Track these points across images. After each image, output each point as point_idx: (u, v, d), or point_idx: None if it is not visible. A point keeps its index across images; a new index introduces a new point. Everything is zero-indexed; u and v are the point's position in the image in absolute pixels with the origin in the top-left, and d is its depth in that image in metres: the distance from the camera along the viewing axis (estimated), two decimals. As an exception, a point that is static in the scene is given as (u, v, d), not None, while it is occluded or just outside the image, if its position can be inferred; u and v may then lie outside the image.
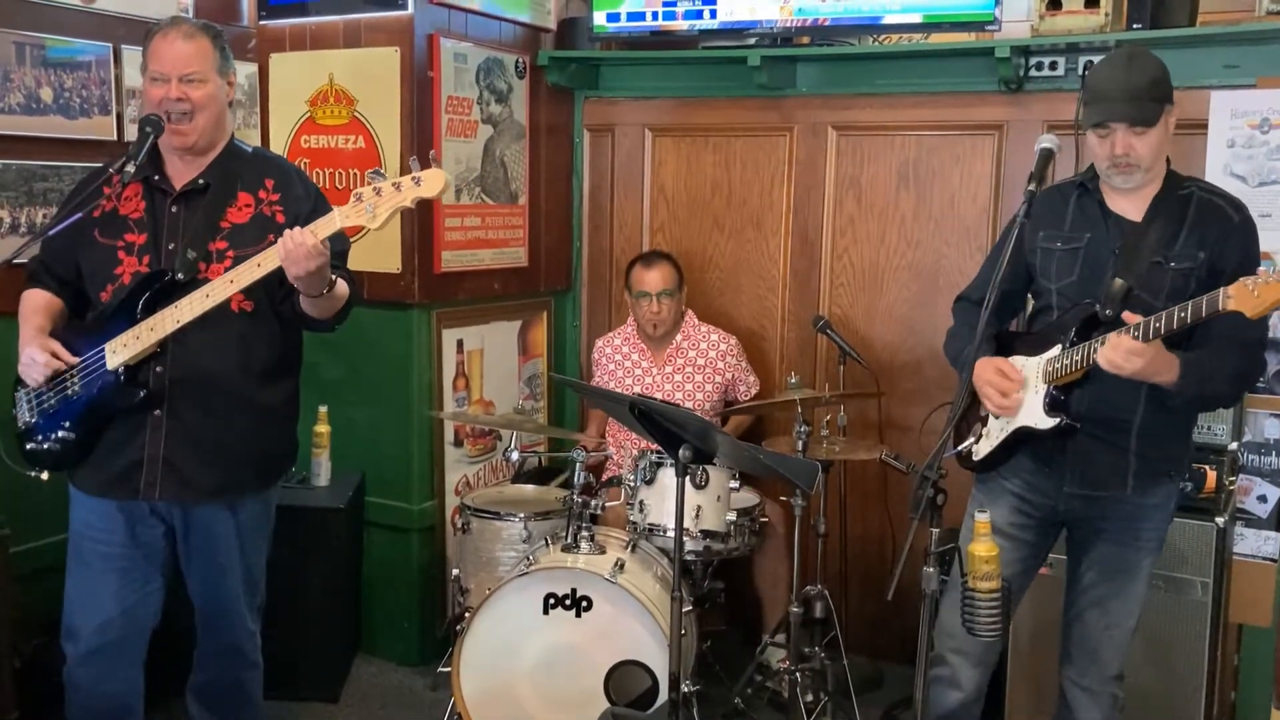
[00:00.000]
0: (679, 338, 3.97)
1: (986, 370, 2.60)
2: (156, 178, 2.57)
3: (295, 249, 2.36)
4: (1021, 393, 2.58)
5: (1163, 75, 2.49)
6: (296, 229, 2.39)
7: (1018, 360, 2.63)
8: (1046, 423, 2.53)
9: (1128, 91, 2.43)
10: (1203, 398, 2.51)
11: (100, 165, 2.70)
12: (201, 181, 2.58)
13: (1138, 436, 2.56)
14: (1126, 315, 2.33)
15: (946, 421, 2.29)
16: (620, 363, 3.99)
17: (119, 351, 2.47)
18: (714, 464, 3.15)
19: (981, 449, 2.69)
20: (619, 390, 3.78)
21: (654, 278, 3.88)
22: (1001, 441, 2.64)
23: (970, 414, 2.77)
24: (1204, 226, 2.51)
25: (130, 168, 2.43)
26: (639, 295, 3.89)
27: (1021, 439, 2.61)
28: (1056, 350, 2.54)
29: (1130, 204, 2.57)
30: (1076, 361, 2.46)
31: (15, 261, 2.61)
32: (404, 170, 3.58)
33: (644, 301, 3.88)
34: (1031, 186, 2.37)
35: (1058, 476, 2.62)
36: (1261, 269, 2.17)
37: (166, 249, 2.53)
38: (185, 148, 2.56)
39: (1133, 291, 2.48)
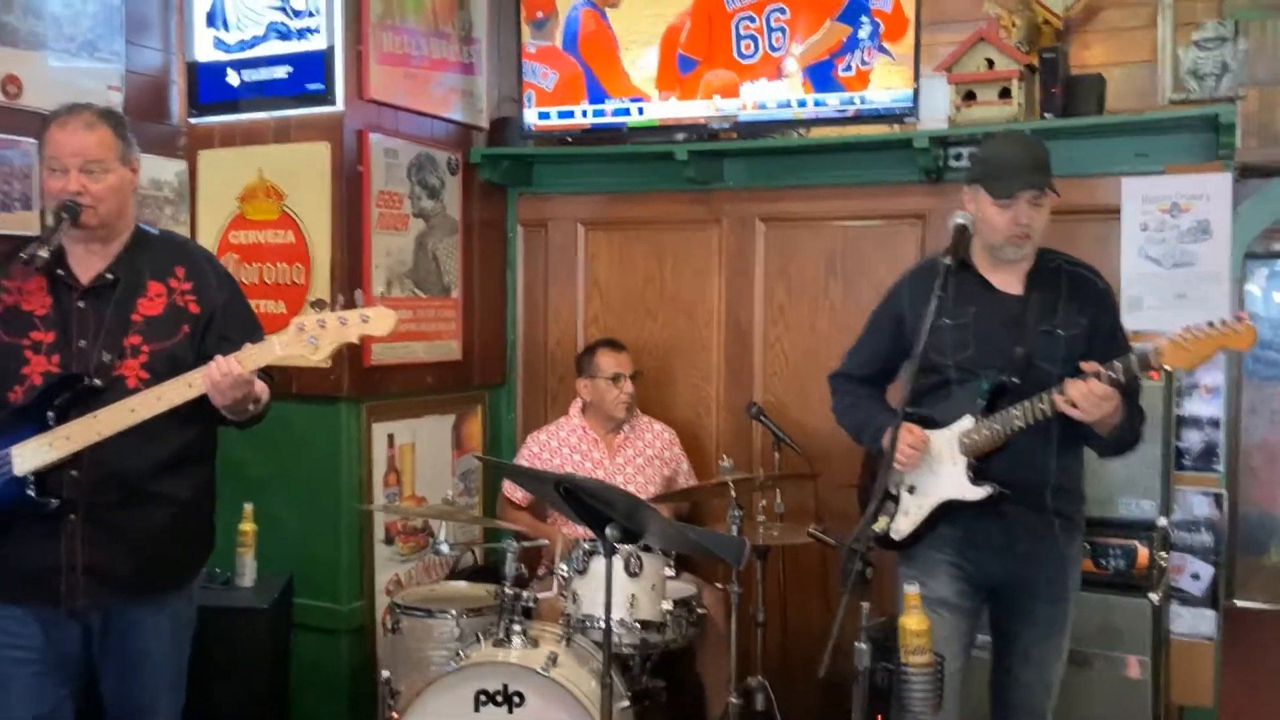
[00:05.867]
0: (626, 429, 3.97)
1: (899, 433, 2.64)
2: (61, 272, 2.47)
3: (221, 380, 2.33)
4: (933, 462, 2.65)
5: (1048, 155, 2.66)
6: (223, 359, 2.34)
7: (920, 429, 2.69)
8: (975, 493, 2.59)
9: (1033, 164, 2.57)
10: (1127, 437, 2.63)
11: None
12: (110, 276, 2.49)
13: (1053, 494, 2.64)
14: (1086, 365, 2.45)
15: (873, 494, 2.28)
16: (569, 456, 3.95)
17: (28, 458, 2.35)
18: (645, 549, 3.11)
19: (903, 526, 2.70)
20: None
21: (625, 360, 3.93)
22: (926, 517, 2.67)
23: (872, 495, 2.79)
24: (1080, 296, 2.67)
25: (44, 253, 2.35)
26: (614, 377, 3.88)
27: (944, 512, 2.65)
28: (969, 422, 2.61)
29: (1009, 278, 2.70)
30: (999, 431, 2.54)
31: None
32: (334, 268, 3.65)
33: (620, 383, 3.88)
34: (948, 260, 2.44)
35: (988, 545, 2.66)
36: (1187, 325, 2.35)
37: (78, 346, 2.44)
38: (86, 230, 2.46)
39: (1032, 360, 2.59)
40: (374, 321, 2.33)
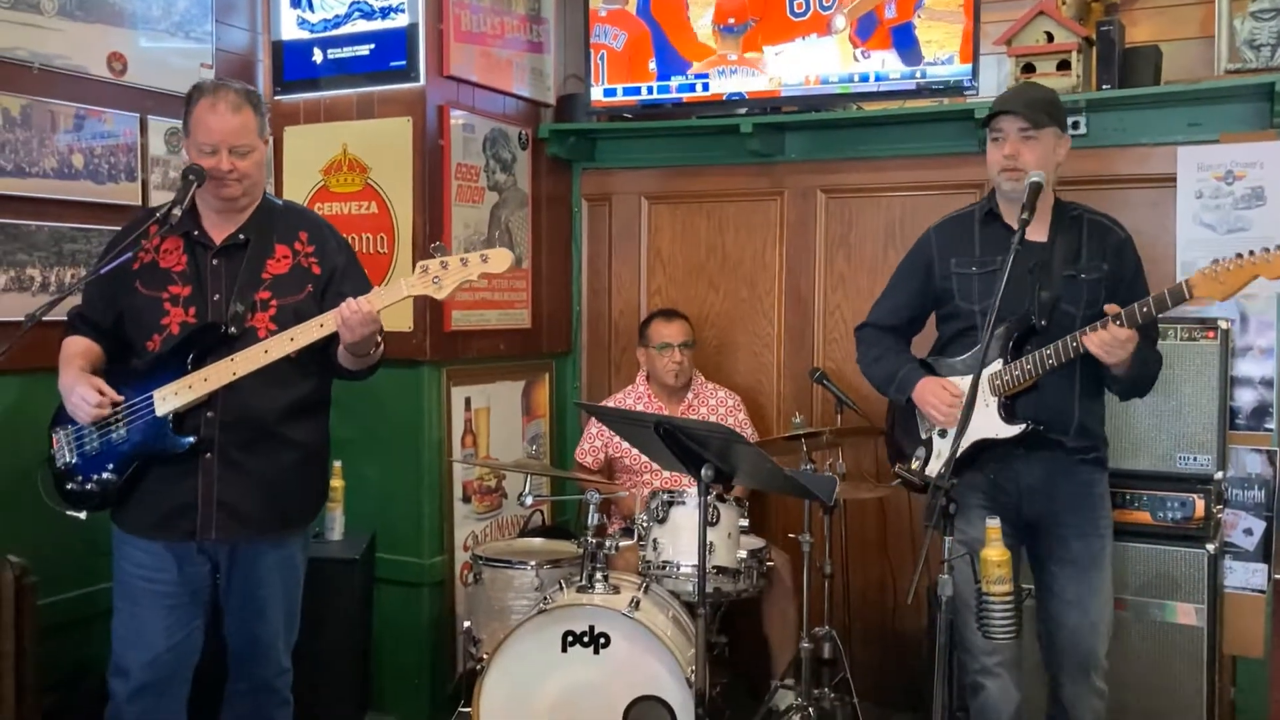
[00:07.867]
0: (690, 395, 4.11)
1: (932, 388, 2.82)
2: (196, 233, 2.69)
3: (352, 317, 2.52)
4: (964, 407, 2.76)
5: (1054, 100, 2.83)
6: (354, 299, 2.53)
7: (952, 379, 2.84)
8: (1008, 431, 2.74)
9: (1021, 99, 2.76)
10: (1143, 379, 2.80)
11: (138, 218, 2.79)
12: (242, 236, 2.70)
13: (1076, 433, 2.79)
14: (1108, 307, 2.59)
15: (956, 434, 2.41)
16: None
17: (169, 399, 2.55)
18: (720, 500, 3.26)
19: (935, 468, 2.83)
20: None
21: (675, 330, 4.07)
22: (959, 458, 2.77)
23: (906, 439, 2.95)
24: (1100, 242, 2.82)
25: (177, 211, 2.55)
26: (661, 346, 4.03)
27: (976, 452, 2.77)
28: (998, 364, 2.75)
29: (1033, 227, 2.77)
30: (1029, 371, 2.69)
31: (45, 319, 2.63)
32: (416, 233, 3.81)
33: (667, 352, 4.03)
34: (1025, 215, 2.57)
35: (1017, 485, 2.81)
36: (1217, 258, 2.46)
37: (212, 300, 2.64)
38: (230, 200, 2.66)
39: (1059, 302, 2.73)
40: (493, 260, 2.51)
